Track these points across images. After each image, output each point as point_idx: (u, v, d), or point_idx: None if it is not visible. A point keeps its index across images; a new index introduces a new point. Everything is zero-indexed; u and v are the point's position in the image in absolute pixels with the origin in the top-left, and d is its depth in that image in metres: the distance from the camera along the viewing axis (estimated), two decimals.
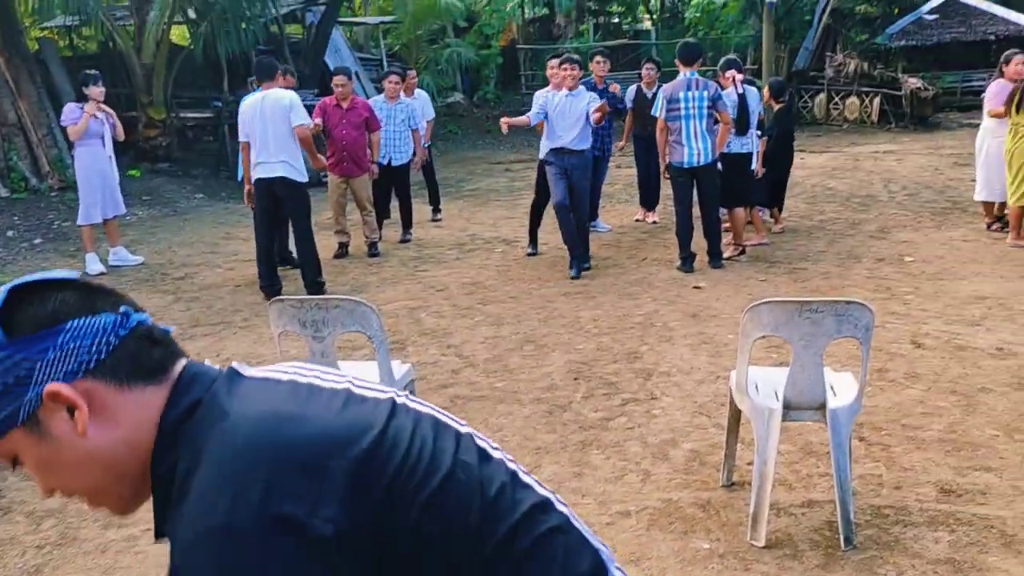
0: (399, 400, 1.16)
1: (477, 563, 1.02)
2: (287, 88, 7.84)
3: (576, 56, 7.95)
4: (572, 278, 7.39)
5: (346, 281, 7.72)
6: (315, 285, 7.11)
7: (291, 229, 7.43)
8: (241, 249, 9.19)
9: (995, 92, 8.26)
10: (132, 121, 13.28)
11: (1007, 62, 8.08)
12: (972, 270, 7.13)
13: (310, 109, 8.44)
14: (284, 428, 1.00)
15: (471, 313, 6.48)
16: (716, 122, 7.51)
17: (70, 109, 8.18)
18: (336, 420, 1.04)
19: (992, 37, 23.08)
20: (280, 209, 7.16)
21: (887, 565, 2.99)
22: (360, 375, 3.49)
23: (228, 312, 6.81)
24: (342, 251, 8.77)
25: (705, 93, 7.24)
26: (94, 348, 1.02)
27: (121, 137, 8.70)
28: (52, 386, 0.99)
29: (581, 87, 7.73)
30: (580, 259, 7.59)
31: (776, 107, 8.77)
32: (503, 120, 7.91)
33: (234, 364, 1.19)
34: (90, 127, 8.13)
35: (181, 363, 1.14)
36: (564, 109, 7.50)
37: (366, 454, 1.00)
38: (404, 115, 9.11)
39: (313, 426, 1.02)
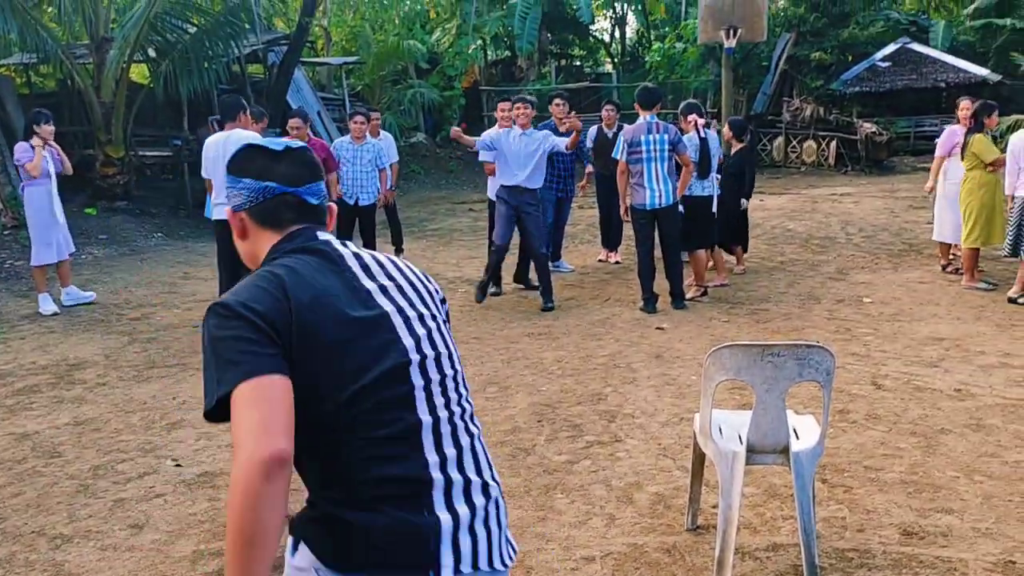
0: (390, 320, 1.73)
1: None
2: (258, 131, 7.88)
3: (529, 96, 8.03)
4: (477, 301, 7.90)
5: None
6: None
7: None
8: (200, 289, 9.06)
9: (944, 138, 8.60)
10: (89, 159, 13.14)
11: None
12: (929, 311, 7.24)
13: None
14: (288, 278, 1.66)
15: None
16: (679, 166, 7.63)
17: (22, 148, 8.01)
18: (318, 293, 1.66)
19: (942, 84, 23.77)
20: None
21: None
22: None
23: (186, 354, 6.68)
24: None
25: (665, 136, 7.33)
26: (250, 198, 1.81)
27: (69, 171, 8.51)
28: (227, 210, 1.87)
29: (534, 128, 7.84)
30: (545, 295, 7.73)
31: (737, 146, 8.90)
32: (454, 129, 8.01)
33: (323, 237, 1.80)
34: (42, 166, 7.98)
35: (297, 227, 1.80)
36: (518, 148, 7.57)
37: (310, 319, 1.62)
38: (371, 155, 9.10)
39: (304, 286, 1.65)
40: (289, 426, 1.50)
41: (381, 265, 1.80)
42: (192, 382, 5.91)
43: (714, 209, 8.17)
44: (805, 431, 3.34)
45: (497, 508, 1.76)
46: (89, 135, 13.99)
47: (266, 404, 1.49)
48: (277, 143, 1.84)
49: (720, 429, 3.37)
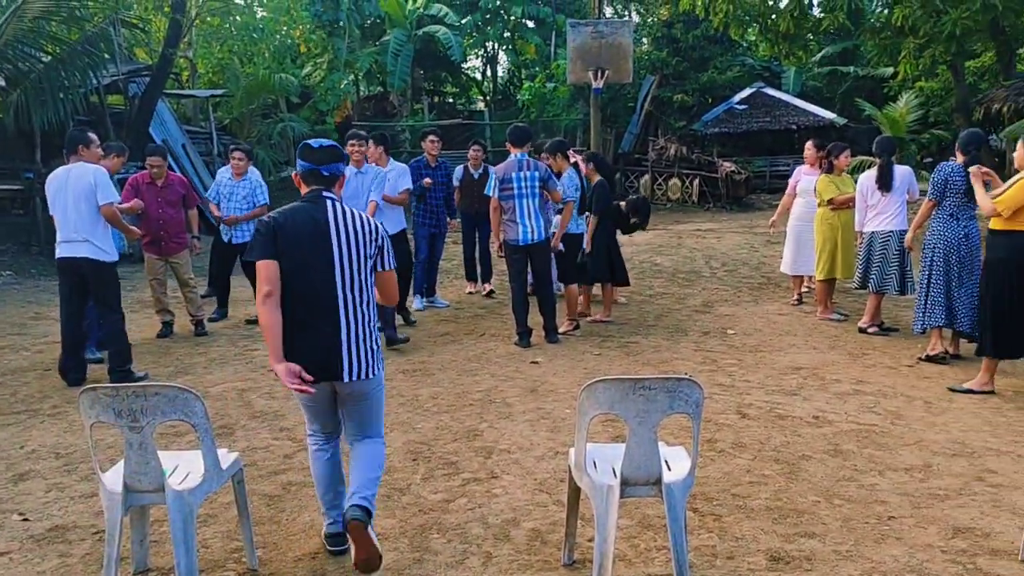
0: (331, 244, 3.47)
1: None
2: (116, 165, 7.56)
3: (362, 132, 7.98)
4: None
5: (170, 363, 7.30)
6: (122, 374, 6.60)
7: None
8: (52, 330, 8.53)
9: (794, 177, 9.22)
10: None
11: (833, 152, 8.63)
12: (788, 342, 7.59)
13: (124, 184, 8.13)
14: (284, 214, 3.45)
15: None
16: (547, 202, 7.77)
17: None
18: (295, 225, 3.43)
19: (794, 127, 25.22)
20: (86, 291, 6.67)
21: None
22: (184, 465, 3.28)
23: (35, 399, 6.27)
24: (166, 330, 8.34)
25: (536, 173, 7.45)
26: (301, 168, 3.58)
27: None
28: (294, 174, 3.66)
29: (368, 165, 7.80)
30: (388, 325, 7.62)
31: (595, 179, 9.12)
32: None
33: (324, 194, 3.55)
34: None
35: (315, 187, 3.55)
36: (355, 187, 7.50)
37: (283, 236, 3.39)
38: (246, 191, 8.86)
39: (290, 221, 3.43)
40: (273, 280, 3.35)
41: (344, 214, 3.50)
42: (42, 428, 5.55)
43: (584, 246, 8.32)
44: (676, 462, 3.41)
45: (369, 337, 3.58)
46: None
47: (264, 271, 3.36)
48: (318, 142, 3.62)
49: (595, 463, 3.40)
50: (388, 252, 3.63)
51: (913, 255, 7.77)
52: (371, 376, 3.55)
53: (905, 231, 7.64)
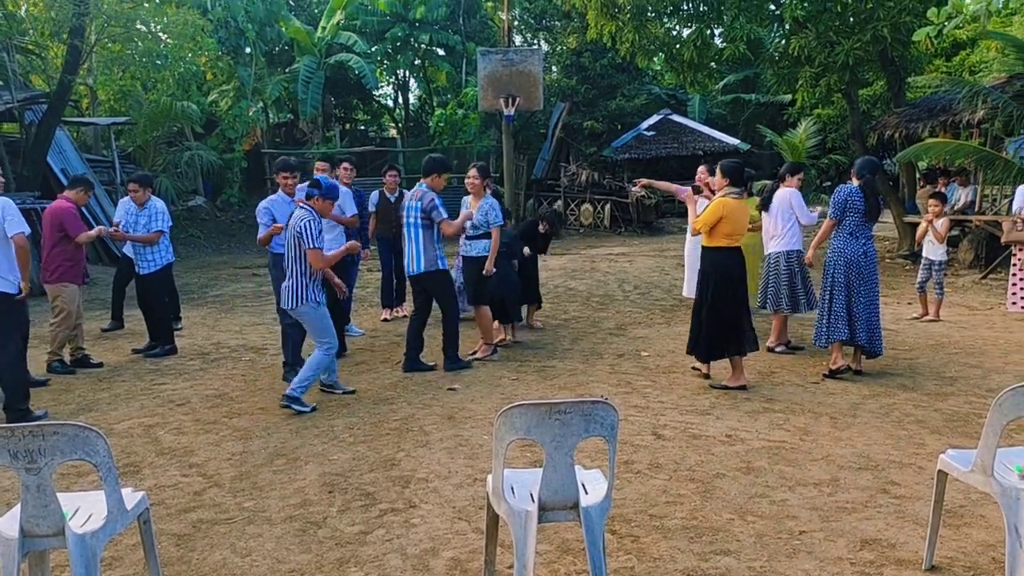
0: None
1: None
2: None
3: (292, 160, 7.88)
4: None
5: (72, 400, 7.01)
6: (17, 412, 6.30)
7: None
8: None
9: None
10: None
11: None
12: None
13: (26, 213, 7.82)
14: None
15: (216, 428, 6.08)
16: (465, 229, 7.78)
17: None
18: None
19: (700, 152, 25.90)
20: None
21: None
22: (87, 507, 3.13)
23: None
24: (85, 361, 8.13)
25: (419, 204, 7.42)
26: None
27: None
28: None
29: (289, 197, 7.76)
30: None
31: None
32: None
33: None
34: None
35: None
36: (284, 217, 7.39)
37: None
38: (146, 219, 8.61)
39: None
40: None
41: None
42: None
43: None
44: (593, 485, 3.43)
45: None
46: None
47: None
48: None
49: (512, 489, 3.39)
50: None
51: (814, 273, 8.04)
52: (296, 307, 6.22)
53: (796, 251, 7.93)
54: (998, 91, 13.87)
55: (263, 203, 7.56)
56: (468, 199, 8.17)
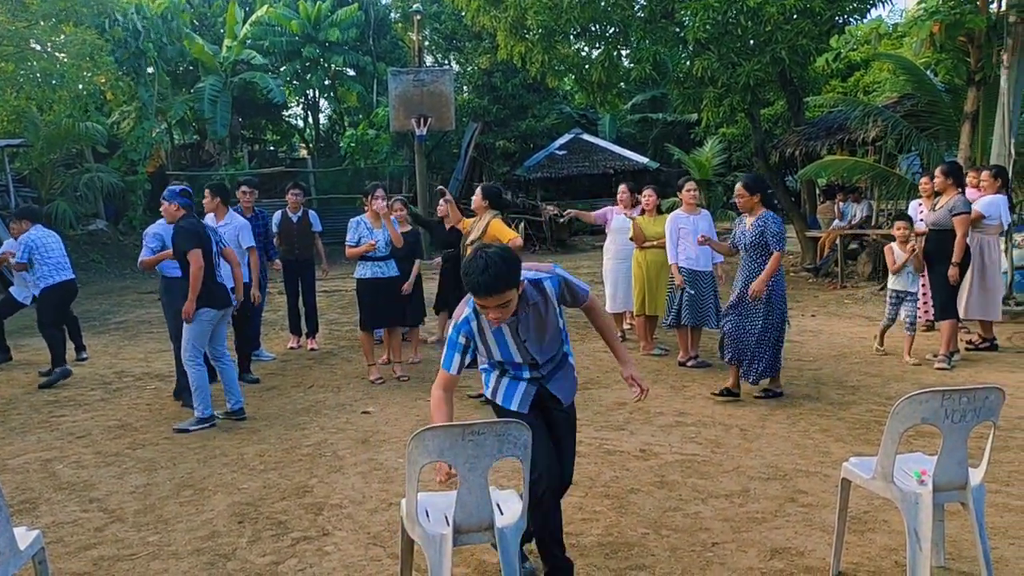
0: None
1: None
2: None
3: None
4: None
5: None
6: None
7: None
8: None
9: (602, 214, 9.54)
10: None
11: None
12: (614, 379, 7.81)
13: None
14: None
15: (119, 460, 5.85)
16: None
17: None
18: None
19: (611, 171, 26.33)
20: None
21: None
22: None
23: None
24: None
25: None
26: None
27: None
28: None
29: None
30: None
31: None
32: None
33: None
34: None
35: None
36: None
37: None
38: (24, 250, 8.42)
39: None
40: None
41: None
42: None
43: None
44: (508, 506, 3.41)
45: None
46: None
47: None
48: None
49: (427, 512, 3.35)
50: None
51: (723, 289, 8.23)
52: None
53: (702, 271, 8.12)
54: (890, 110, 14.50)
55: (153, 227, 7.37)
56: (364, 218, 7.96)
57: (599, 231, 22.21)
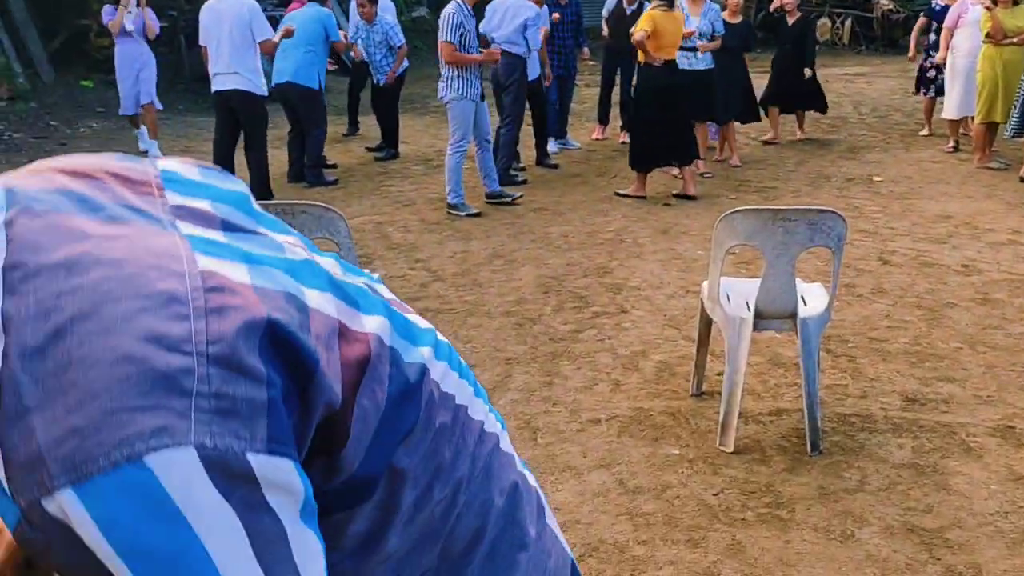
0: None
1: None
2: None
3: None
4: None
5: (309, 196, 7.56)
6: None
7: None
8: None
9: (952, 9, 8.34)
10: (84, 30, 12.78)
11: None
12: (939, 190, 7.17)
13: (272, 21, 8.22)
14: None
15: (439, 228, 6.40)
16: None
17: (107, 10, 8.74)
18: None
19: None
20: (237, 122, 7.01)
21: (851, 469, 3.04)
22: None
23: None
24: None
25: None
26: None
27: (151, 34, 8.98)
28: None
29: None
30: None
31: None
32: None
33: None
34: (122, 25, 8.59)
35: None
36: None
37: None
38: (380, 36, 8.82)
39: None
40: None
41: None
42: None
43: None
44: (813, 299, 3.33)
45: None
46: (82, 3, 13.56)
47: None
48: None
49: (728, 296, 3.37)
50: None
51: None
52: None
53: None
54: None
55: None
56: (685, 4, 7.55)
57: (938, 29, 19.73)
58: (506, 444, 0.85)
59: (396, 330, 0.71)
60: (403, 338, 0.71)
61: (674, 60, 6.89)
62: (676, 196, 7.07)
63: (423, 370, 0.72)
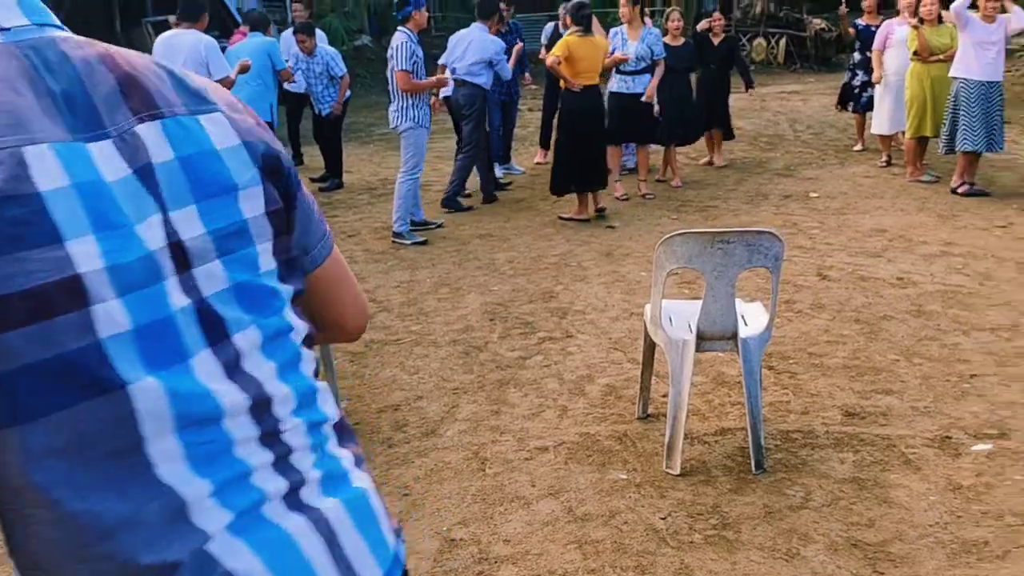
0: None
1: None
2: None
3: None
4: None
5: None
6: None
7: None
8: None
9: (879, 31, 8.66)
10: None
11: None
12: (874, 204, 7.35)
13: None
14: None
15: (384, 258, 6.37)
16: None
17: None
18: None
19: None
20: None
21: (795, 486, 3.09)
22: None
23: None
24: None
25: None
26: None
27: None
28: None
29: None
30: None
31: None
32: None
33: None
34: None
35: None
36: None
37: None
38: (320, 66, 8.86)
39: None
40: None
41: None
42: None
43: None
44: (753, 318, 3.39)
45: None
46: None
47: None
48: None
49: (670, 318, 3.41)
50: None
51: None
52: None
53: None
54: None
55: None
56: (623, 29, 7.74)
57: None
58: None
59: None
60: None
61: (596, 85, 6.97)
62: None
63: None
